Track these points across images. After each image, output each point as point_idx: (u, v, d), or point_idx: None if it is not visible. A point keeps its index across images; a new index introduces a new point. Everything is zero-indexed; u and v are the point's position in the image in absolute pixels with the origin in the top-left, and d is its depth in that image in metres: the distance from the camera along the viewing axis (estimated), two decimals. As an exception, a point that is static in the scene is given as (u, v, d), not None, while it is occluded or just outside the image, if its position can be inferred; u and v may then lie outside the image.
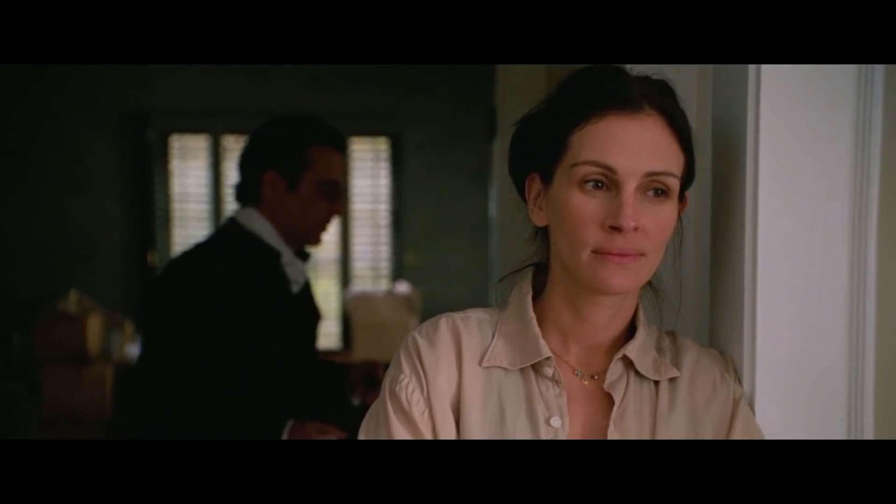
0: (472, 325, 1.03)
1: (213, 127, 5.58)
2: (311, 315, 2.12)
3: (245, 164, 2.00)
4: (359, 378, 2.14)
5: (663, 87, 0.98)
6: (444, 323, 1.02)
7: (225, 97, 5.52)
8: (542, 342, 1.00)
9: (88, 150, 5.53)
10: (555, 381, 0.99)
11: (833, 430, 1.03)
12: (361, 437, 1.02)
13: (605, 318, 1.01)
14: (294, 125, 1.99)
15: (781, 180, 1.01)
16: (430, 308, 4.98)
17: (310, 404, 1.95)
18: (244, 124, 2.30)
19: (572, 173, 0.95)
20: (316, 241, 2.03)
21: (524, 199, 1.05)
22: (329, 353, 4.02)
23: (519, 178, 1.05)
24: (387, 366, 1.05)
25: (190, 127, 5.64)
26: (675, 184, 0.96)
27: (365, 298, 5.36)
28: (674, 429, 0.99)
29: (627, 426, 0.99)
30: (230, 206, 4.95)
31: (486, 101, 4.89)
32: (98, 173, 5.55)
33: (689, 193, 1.03)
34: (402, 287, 5.49)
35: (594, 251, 0.95)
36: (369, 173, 5.76)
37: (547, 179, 1.00)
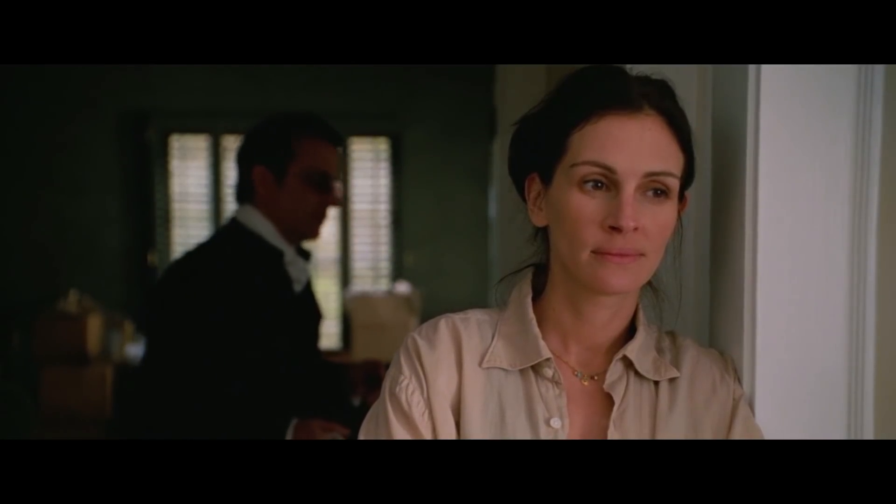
0: (472, 326, 1.03)
1: (213, 127, 5.58)
2: (313, 315, 2.12)
3: (238, 162, 2.02)
4: (360, 378, 2.14)
5: (663, 87, 0.98)
6: (443, 324, 1.02)
7: (225, 97, 5.52)
8: (542, 343, 1.00)
9: (88, 150, 5.53)
10: (555, 381, 0.99)
11: (833, 430, 1.03)
12: (361, 437, 1.02)
13: (605, 319, 1.01)
14: (282, 120, 1.99)
15: (781, 180, 1.01)
16: (429, 308, 4.99)
17: (312, 404, 1.95)
18: (244, 124, 2.30)
19: (572, 173, 0.95)
20: (313, 234, 2.02)
21: (524, 200, 1.04)
22: (329, 354, 4.01)
23: (519, 179, 1.05)
24: (388, 366, 1.05)
25: (190, 127, 5.64)
26: (674, 184, 0.96)
27: (365, 298, 5.36)
28: (674, 429, 0.99)
29: (627, 426, 0.99)
30: (230, 205, 4.95)
31: (486, 101, 4.89)
32: (98, 173, 5.55)
33: (689, 193, 1.03)
34: (402, 287, 5.49)
35: (594, 251, 0.95)
36: (369, 173, 5.76)
37: (547, 179, 1.00)
